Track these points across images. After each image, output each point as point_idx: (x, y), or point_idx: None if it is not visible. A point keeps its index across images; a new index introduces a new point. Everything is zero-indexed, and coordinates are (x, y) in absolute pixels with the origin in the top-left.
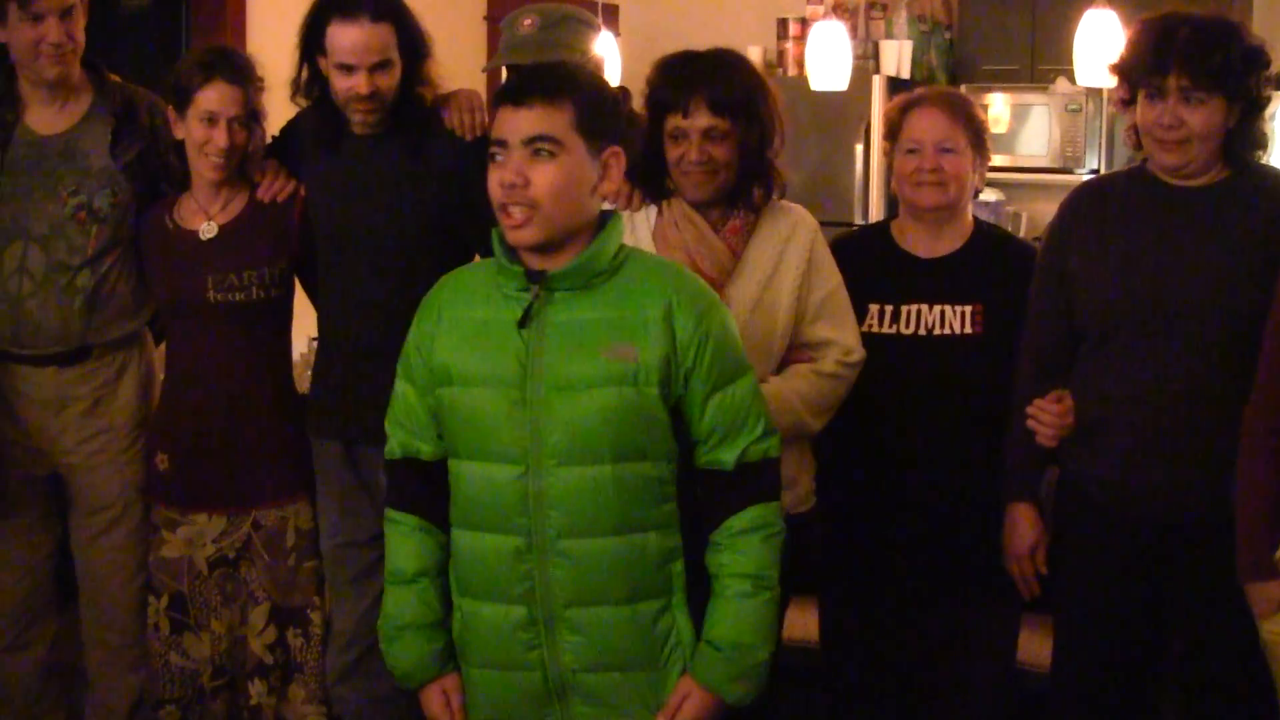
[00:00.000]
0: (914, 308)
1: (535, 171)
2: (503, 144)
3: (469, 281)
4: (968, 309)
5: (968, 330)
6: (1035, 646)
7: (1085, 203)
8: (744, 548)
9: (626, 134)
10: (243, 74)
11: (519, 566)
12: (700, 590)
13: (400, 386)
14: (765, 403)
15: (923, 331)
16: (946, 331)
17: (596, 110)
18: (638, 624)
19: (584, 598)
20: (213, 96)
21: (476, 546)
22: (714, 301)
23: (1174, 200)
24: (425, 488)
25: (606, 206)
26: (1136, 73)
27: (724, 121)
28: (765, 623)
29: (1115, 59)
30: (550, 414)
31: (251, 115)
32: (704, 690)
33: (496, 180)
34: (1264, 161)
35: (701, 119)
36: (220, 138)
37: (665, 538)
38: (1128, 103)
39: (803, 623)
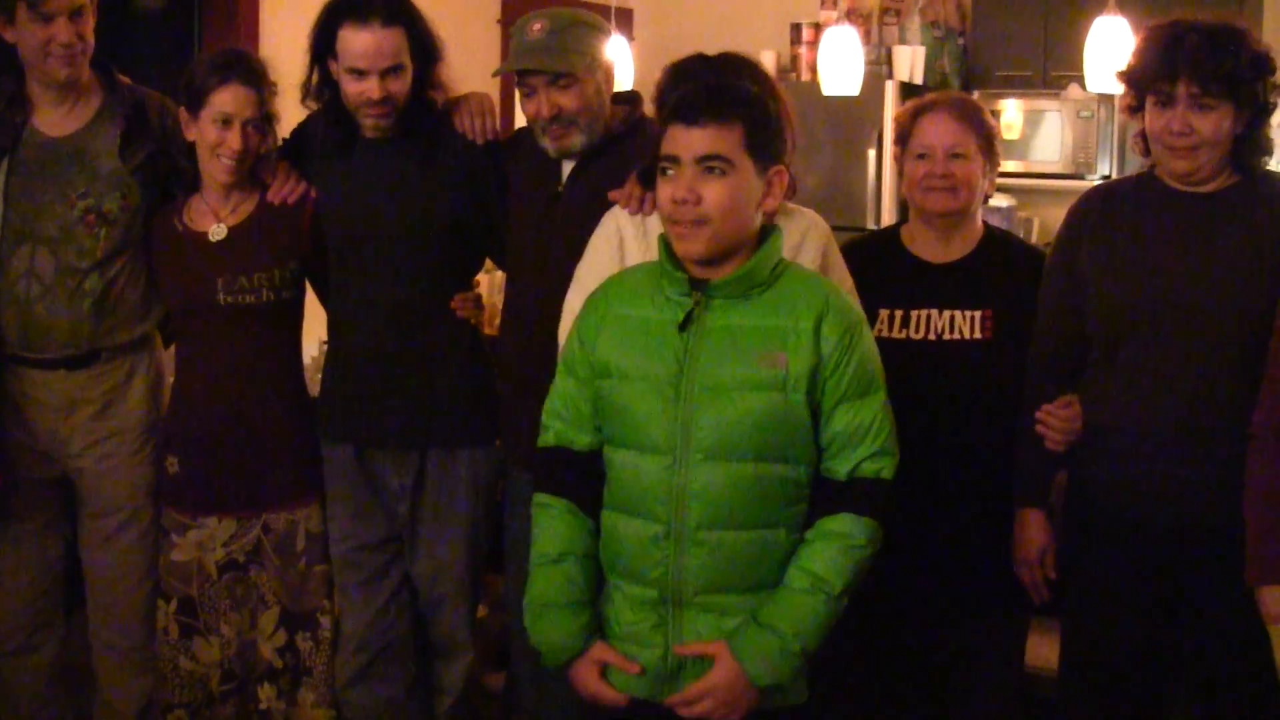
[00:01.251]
0: (924, 313)
1: (706, 188)
2: (675, 160)
3: (633, 282)
4: (977, 314)
5: (977, 335)
6: (1044, 651)
7: (1094, 208)
8: (820, 548)
9: (788, 152)
10: (258, 77)
11: (655, 552)
12: None
13: (561, 380)
14: (892, 424)
15: (932, 336)
16: (956, 336)
17: (763, 130)
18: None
19: (713, 585)
20: (228, 99)
21: (621, 528)
22: (860, 319)
23: (1182, 206)
24: (575, 475)
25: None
26: (1145, 80)
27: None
28: (810, 621)
29: (1123, 66)
30: (700, 412)
31: (265, 118)
32: (732, 658)
33: (668, 195)
34: (1270, 167)
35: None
36: (234, 140)
37: (793, 536)
38: (1135, 109)
39: None
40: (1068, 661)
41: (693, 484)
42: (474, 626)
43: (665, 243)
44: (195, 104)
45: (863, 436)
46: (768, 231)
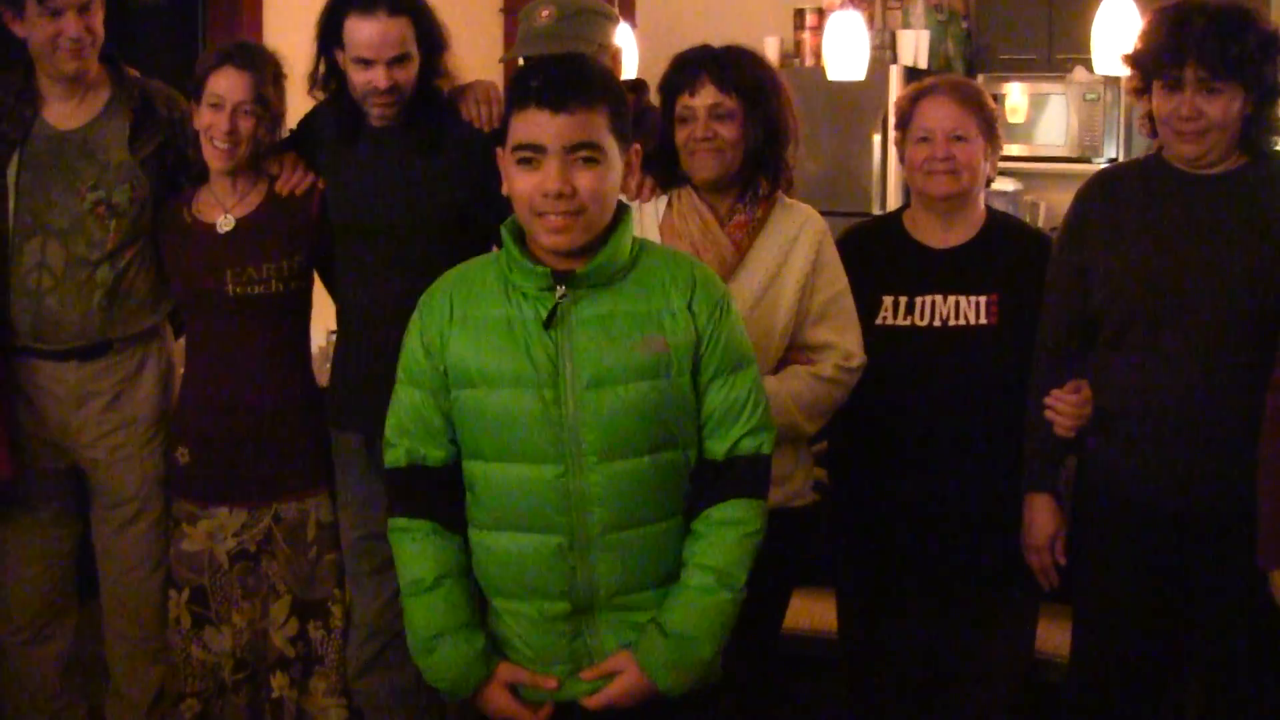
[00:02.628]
0: (928, 299)
1: (580, 179)
2: (539, 149)
3: (476, 280)
4: (982, 299)
5: (983, 321)
6: (1054, 636)
7: (1100, 192)
8: (717, 541)
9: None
10: (254, 62)
11: (561, 564)
12: None
13: (404, 392)
14: (765, 398)
15: (937, 323)
16: (961, 322)
17: (623, 110)
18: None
19: (626, 586)
20: (220, 82)
21: (511, 546)
22: (726, 291)
23: (1190, 189)
24: (435, 491)
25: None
26: (1152, 63)
27: (730, 99)
28: (718, 620)
29: (1129, 48)
30: (586, 411)
31: (260, 103)
32: (638, 670)
33: (534, 187)
34: (1278, 147)
35: (707, 96)
36: (221, 122)
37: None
38: (1141, 92)
39: (816, 613)
40: (1077, 647)
41: (592, 488)
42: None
43: (512, 235)
44: (197, 92)
45: (739, 413)
46: (619, 217)
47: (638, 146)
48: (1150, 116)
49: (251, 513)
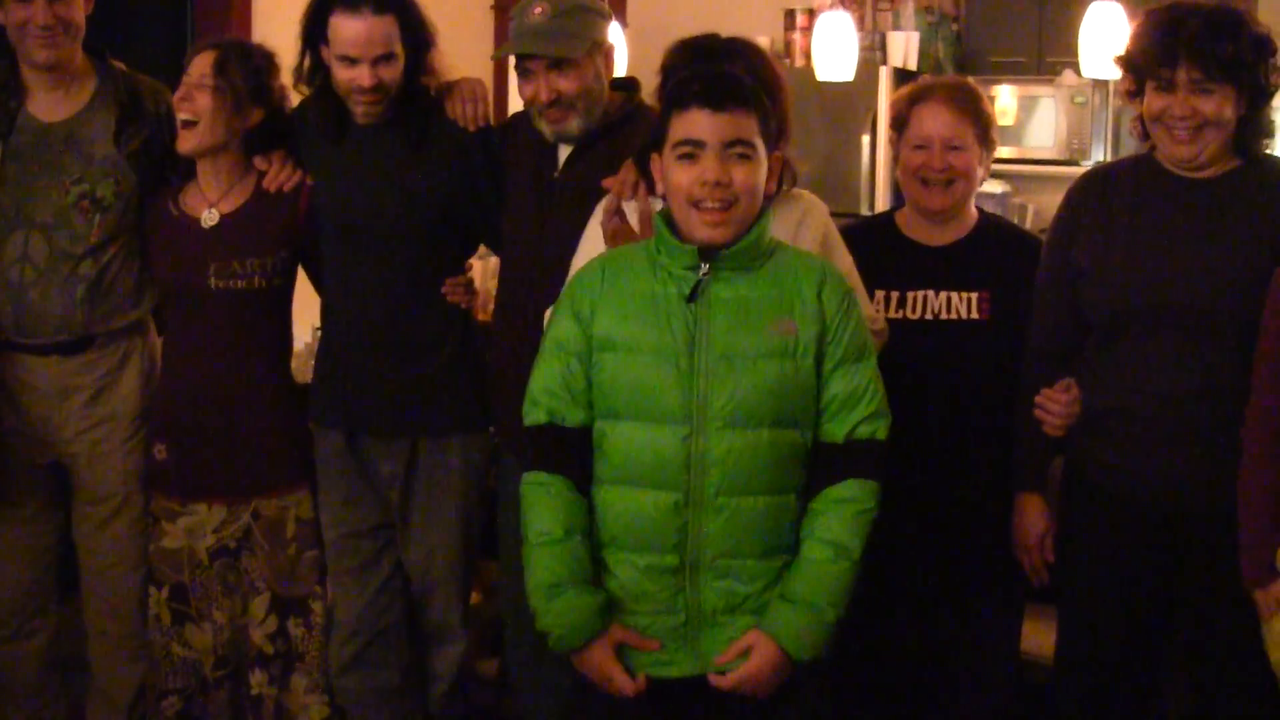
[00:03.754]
0: (920, 294)
1: (735, 172)
2: (699, 144)
3: (626, 258)
4: (974, 295)
5: (974, 315)
6: (1039, 637)
7: (1091, 193)
8: (834, 517)
9: (787, 139)
10: (225, 47)
11: (675, 520)
12: None
13: (554, 359)
14: (883, 389)
15: (929, 316)
16: (953, 316)
17: (769, 118)
18: (771, 576)
19: (731, 550)
20: (191, 66)
21: (630, 502)
22: (851, 287)
23: (1181, 192)
24: (570, 452)
25: None
26: (1144, 64)
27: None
28: (839, 588)
29: (1121, 50)
30: (717, 381)
31: (221, 88)
32: (771, 641)
33: (695, 178)
34: (1270, 151)
35: None
36: (185, 103)
37: (798, 501)
38: (1134, 94)
39: None
40: (1063, 647)
41: (712, 451)
42: (467, 613)
43: (665, 220)
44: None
45: (859, 399)
46: (762, 210)
47: (778, 154)
48: (1142, 119)
49: (230, 509)
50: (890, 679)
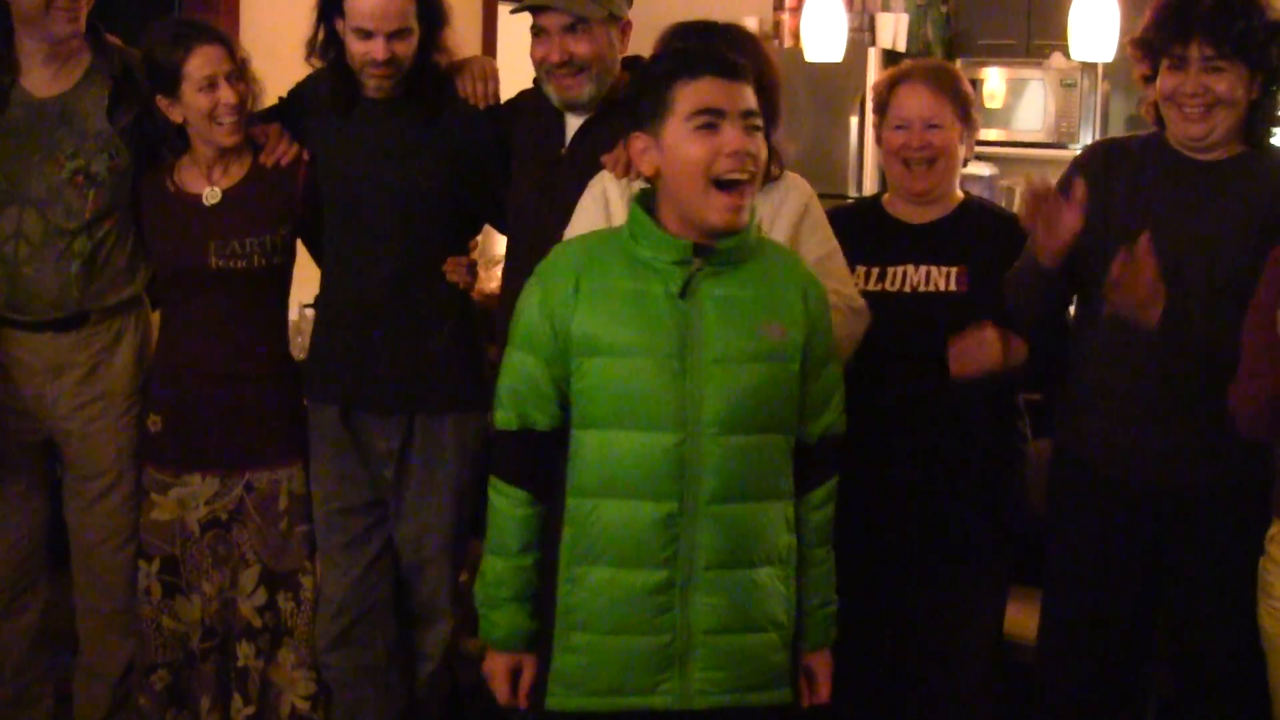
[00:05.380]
0: (900, 269)
1: (752, 144)
2: (720, 113)
3: (601, 252)
4: (953, 270)
5: (952, 288)
6: (1022, 619)
7: (1095, 164)
8: (819, 520)
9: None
10: (215, 33)
11: (667, 531)
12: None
13: (518, 357)
14: (842, 383)
15: (908, 289)
16: (931, 289)
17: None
18: (762, 589)
19: (723, 561)
20: (201, 62)
21: (617, 514)
22: (824, 289)
23: (1182, 172)
24: (536, 461)
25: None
26: (1158, 43)
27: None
28: (833, 578)
29: (1137, 33)
30: (711, 384)
31: (241, 66)
32: (826, 651)
33: (714, 149)
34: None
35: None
36: (227, 95)
37: (786, 507)
38: (1149, 79)
39: None
40: (1047, 628)
41: (707, 458)
42: (455, 592)
43: (643, 208)
44: (172, 85)
45: (830, 398)
46: None
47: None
48: (1156, 104)
49: (223, 481)
50: (870, 657)
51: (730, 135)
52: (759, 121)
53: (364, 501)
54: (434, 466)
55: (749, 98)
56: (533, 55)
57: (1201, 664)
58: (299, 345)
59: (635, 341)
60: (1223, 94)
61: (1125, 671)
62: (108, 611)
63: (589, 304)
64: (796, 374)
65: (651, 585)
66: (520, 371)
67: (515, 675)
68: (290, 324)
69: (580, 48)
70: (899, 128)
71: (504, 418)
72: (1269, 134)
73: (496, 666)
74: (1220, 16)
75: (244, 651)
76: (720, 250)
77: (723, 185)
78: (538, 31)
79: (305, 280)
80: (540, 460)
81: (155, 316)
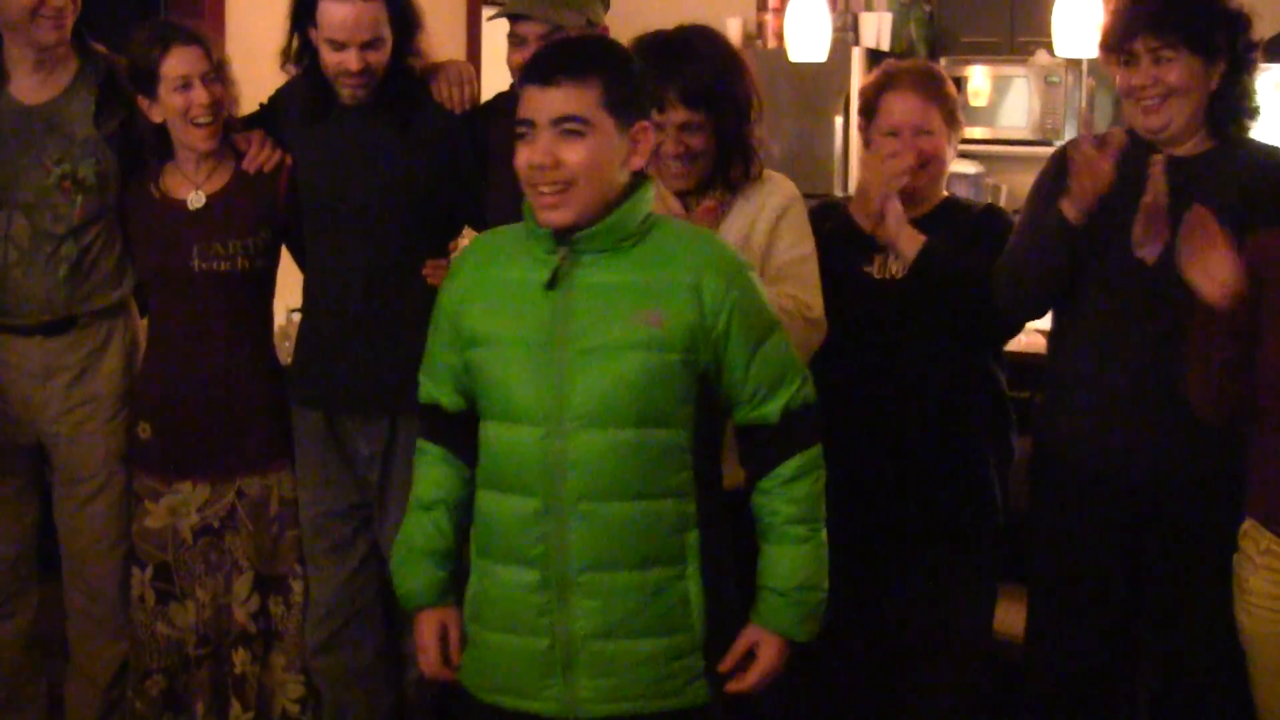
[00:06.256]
0: (878, 257)
1: (565, 151)
2: (530, 124)
3: (500, 243)
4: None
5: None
6: (1010, 617)
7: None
8: (795, 494)
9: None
10: (194, 34)
11: (536, 528)
12: (712, 561)
13: (431, 337)
14: (795, 351)
15: (885, 275)
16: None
17: (624, 86)
18: (650, 591)
19: (599, 562)
20: (176, 63)
21: (496, 507)
22: (740, 264)
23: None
24: (449, 428)
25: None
26: (1113, 42)
27: (698, 114)
28: (822, 562)
29: (1100, 39)
30: (575, 377)
31: (218, 68)
32: (777, 636)
33: (525, 160)
34: (1251, 134)
35: (677, 114)
36: (200, 96)
37: (681, 505)
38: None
39: None
40: (1032, 625)
41: (570, 453)
42: None
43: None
44: (149, 85)
45: (782, 375)
46: (636, 185)
47: (645, 123)
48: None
49: (214, 488)
50: (862, 653)
51: (536, 145)
52: (576, 126)
53: (349, 505)
54: None
55: (565, 103)
56: (509, 62)
57: (1183, 660)
58: (286, 350)
59: (506, 332)
60: (1174, 84)
61: (1112, 669)
62: (98, 615)
63: (478, 296)
64: (680, 363)
65: (525, 584)
66: (429, 351)
67: (445, 639)
68: (278, 329)
69: None
70: (890, 134)
71: (420, 391)
72: (1238, 126)
73: (421, 631)
74: (1163, 8)
75: (240, 658)
76: (582, 238)
77: (535, 190)
78: (515, 39)
79: (294, 285)
80: (454, 431)
81: (144, 324)
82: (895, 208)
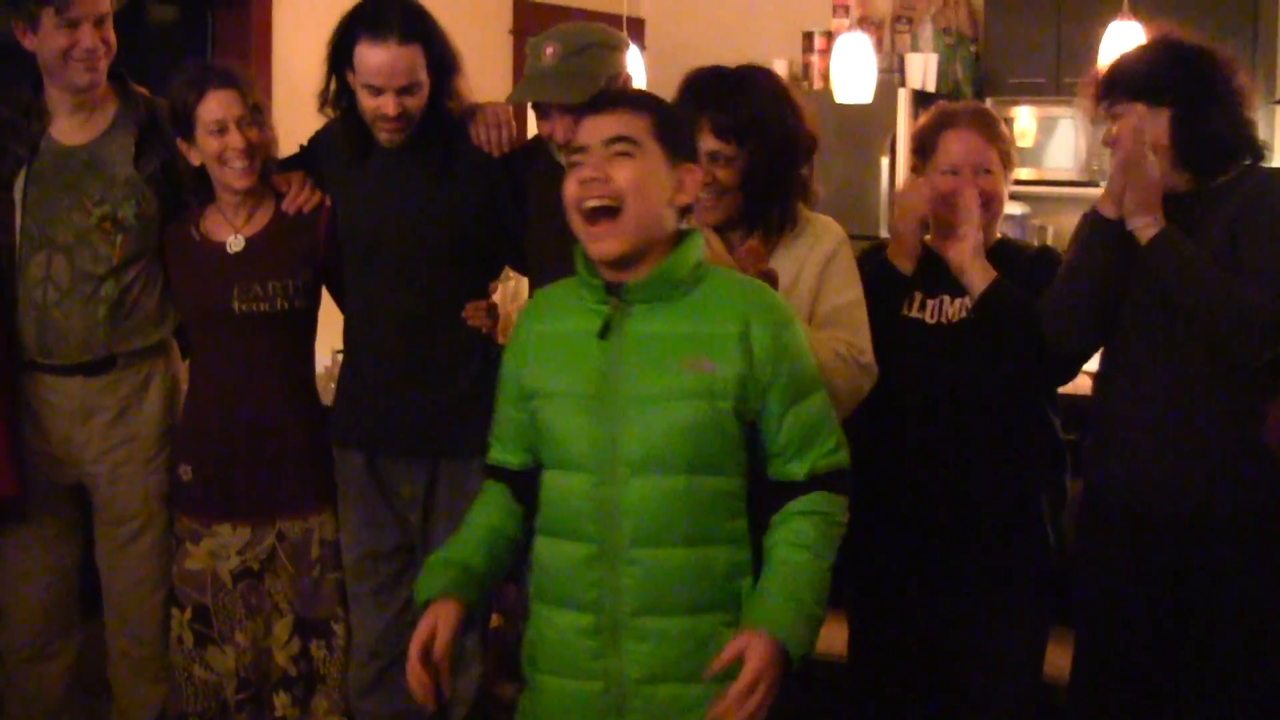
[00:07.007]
0: (935, 301)
1: (615, 169)
2: (583, 149)
3: (555, 297)
4: (965, 300)
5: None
6: (1056, 659)
7: None
8: (801, 526)
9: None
10: (230, 77)
11: (590, 573)
12: None
13: (498, 400)
14: (834, 416)
15: (943, 320)
16: (962, 316)
17: (672, 124)
18: (702, 637)
19: (651, 607)
20: (212, 106)
21: (552, 552)
22: (790, 318)
23: (1167, 207)
24: (517, 479)
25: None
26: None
27: (729, 146)
28: (821, 586)
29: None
30: (627, 425)
31: (254, 111)
32: (768, 636)
33: (575, 179)
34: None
35: (706, 143)
36: (235, 140)
37: (734, 552)
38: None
39: (825, 636)
40: (1079, 663)
41: (623, 499)
42: (485, 636)
43: (582, 250)
44: (188, 128)
45: (815, 436)
46: (685, 236)
47: (691, 166)
48: None
49: (255, 531)
50: (911, 696)
51: (587, 163)
52: (626, 148)
53: (391, 547)
54: (459, 510)
55: (618, 125)
56: (540, 130)
57: (1223, 696)
58: (330, 391)
59: (561, 383)
60: (1121, 134)
61: (1157, 706)
62: (139, 657)
63: (536, 349)
64: (731, 412)
65: (580, 628)
66: (499, 416)
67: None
68: (323, 370)
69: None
70: (950, 173)
71: (489, 454)
72: (1209, 162)
73: (424, 617)
74: (1118, 68)
75: (281, 701)
76: (633, 288)
77: (586, 216)
78: (541, 110)
79: (338, 326)
80: (518, 482)
81: (186, 366)
82: (975, 236)
